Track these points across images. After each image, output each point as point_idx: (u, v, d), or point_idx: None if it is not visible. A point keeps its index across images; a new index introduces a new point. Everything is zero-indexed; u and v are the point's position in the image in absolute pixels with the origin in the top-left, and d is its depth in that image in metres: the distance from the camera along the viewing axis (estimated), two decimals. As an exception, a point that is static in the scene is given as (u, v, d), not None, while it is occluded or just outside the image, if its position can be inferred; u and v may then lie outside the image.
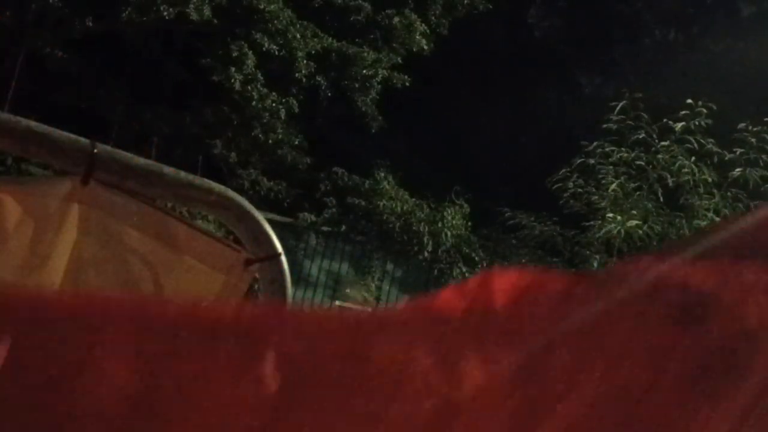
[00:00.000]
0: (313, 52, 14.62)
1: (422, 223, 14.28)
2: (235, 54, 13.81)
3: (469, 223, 14.83)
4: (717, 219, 10.16)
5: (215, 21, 13.73)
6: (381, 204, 14.55)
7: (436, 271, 14.13)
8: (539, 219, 12.27)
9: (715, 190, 10.69)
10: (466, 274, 13.57)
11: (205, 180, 1.45)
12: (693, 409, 0.74)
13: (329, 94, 15.73)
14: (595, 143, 11.04)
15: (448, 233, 14.27)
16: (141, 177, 1.39)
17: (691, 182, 10.64)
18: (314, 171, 16.10)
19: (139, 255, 1.43)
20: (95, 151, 1.35)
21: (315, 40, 14.69)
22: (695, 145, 10.58)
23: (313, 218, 14.62)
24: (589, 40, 21.87)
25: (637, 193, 10.90)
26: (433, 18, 16.80)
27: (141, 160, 1.41)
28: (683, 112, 10.66)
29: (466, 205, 14.89)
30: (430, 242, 14.17)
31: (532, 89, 21.11)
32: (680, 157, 10.64)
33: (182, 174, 1.43)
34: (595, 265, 10.85)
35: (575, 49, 21.97)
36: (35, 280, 1.37)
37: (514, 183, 18.09)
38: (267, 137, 14.90)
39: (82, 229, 1.39)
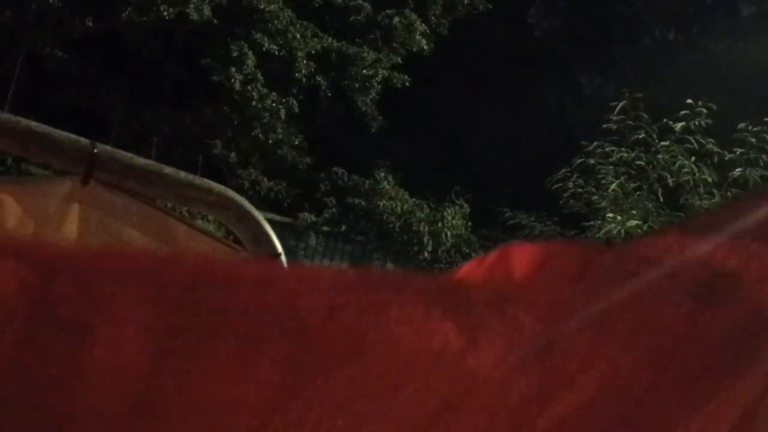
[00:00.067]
0: (313, 52, 14.62)
1: (422, 223, 14.28)
2: (235, 54, 13.81)
3: (469, 223, 14.83)
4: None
5: (215, 21, 13.73)
6: (381, 204, 14.55)
7: (436, 271, 14.13)
8: (539, 219, 12.27)
9: (715, 190, 10.69)
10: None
11: (205, 180, 1.45)
12: (712, 388, 0.73)
13: (329, 94, 15.73)
14: (595, 143, 11.03)
15: (448, 233, 14.27)
16: (141, 177, 1.39)
17: (691, 182, 10.63)
18: (314, 171, 16.11)
19: (139, 255, 1.43)
20: (95, 151, 1.35)
21: (315, 40, 14.69)
22: (695, 145, 10.57)
23: (313, 218, 14.62)
24: (589, 40, 21.87)
25: (637, 193, 10.89)
26: (433, 18, 16.81)
27: (141, 160, 1.41)
28: (683, 112, 10.65)
29: (466, 205, 14.89)
30: (430, 242, 14.18)
31: (532, 89, 21.11)
32: (680, 157, 10.64)
33: (182, 174, 1.43)
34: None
35: (575, 49, 21.97)
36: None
37: (514, 183, 18.09)
38: (267, 137, 14.90)
39: (82, 229, 1.39)
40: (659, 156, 10.76)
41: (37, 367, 0.59)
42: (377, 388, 0.64)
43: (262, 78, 14.15)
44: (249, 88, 14.03)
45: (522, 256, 0.66)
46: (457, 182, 15.17)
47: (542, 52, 21.71)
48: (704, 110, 10.54)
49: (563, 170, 11.27)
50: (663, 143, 10.74)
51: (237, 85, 13.81)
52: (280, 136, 15.01)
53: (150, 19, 13.36)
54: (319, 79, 15.04)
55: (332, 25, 15.60)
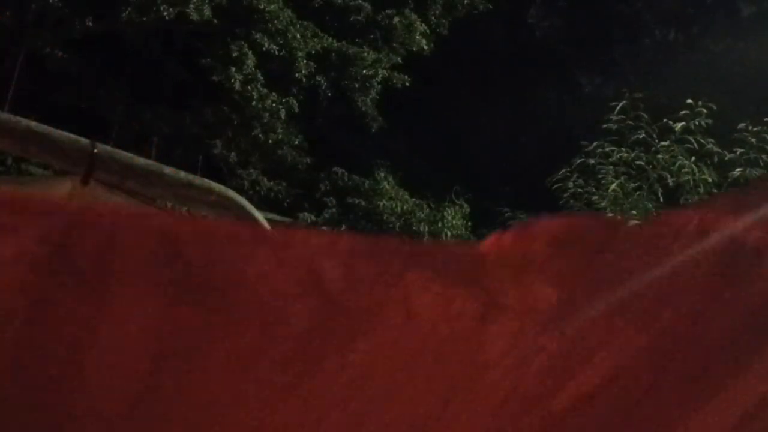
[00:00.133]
0: (313, 52, 14.62)
1: (422, 223, 14.27)
2: (235, 54, 13.80)
3: (469, 223, 14.82)
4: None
5: (215, 21, 13.72)
6: (381, 204, 14.55)
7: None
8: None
9: (715, 190, 10.68)
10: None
11: (205, 180, 1.45)
12: (733, 363, 0.73)
13: (329, 94, 15.72)
14: (595, 143, 11.03)
15: (448, 233, 14.26)
16: (141, 177, 1.39)
17: (691, 182, 10.63)
18: (314, 171, 16.10)
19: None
20: (95, 151, 1.35)
21: (315, 40, 14.69)
22: (695, 145, 10.56)
23: (313, 218, 14.62)
24: (589, 40, 21.86)
25: (637, 193, 10.88)
26: (433, 18, 16.80)
27: (141, 160, 1.41)
28: (683, 112, 10.64)
29: (466, 205, 14.88)
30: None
31: (532, 89, 21.10)
32: (680, 157, 10.63)
33: (182, 174, 1.43)
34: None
35: (575, 49, 21.96)
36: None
37: (514, 183, 18.08)
38: (267, 137, 14.90)
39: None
40: (659, 156, 10.75)
41: (37, 367, 0.59)
42: (394, 362, 0.64)
43: (262, 78, 14.14)
44: (249, 88, 14.03)
45: (542, 229, 0.65)
46: (457, 182, 15.16)
47: (542, 52, 21.70)
48: (704, 110, 10.53)
49: (563, 170, 11.26)
50: (663, 143, 10.73)
51: (237, 85, 13.80)
52: (280, 136, 15.01)
53: (150, 19, 13.35)
54: (319, 79, 15.04)
55: (332, 25, 15.60)
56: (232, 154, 15.19)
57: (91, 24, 13.65)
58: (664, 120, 10.71)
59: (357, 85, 15.36)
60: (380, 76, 15.40)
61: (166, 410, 0.63)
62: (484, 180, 17.63)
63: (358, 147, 16.79)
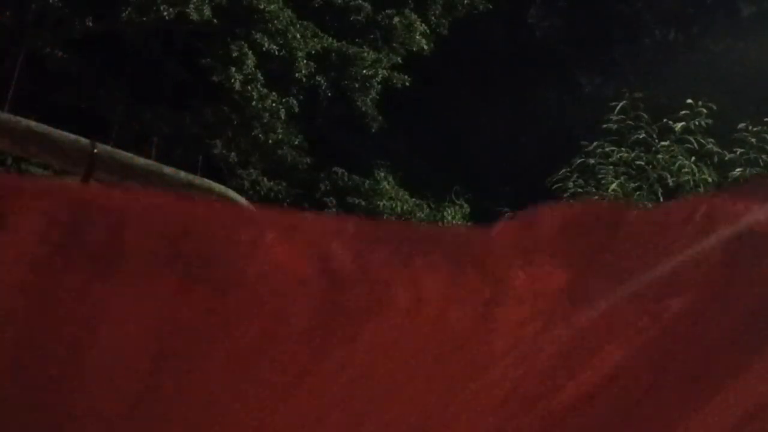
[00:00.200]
0: (313, 52, 14.62)
1: (422, 223, 14.28)
2: (235, 54, 13.80)
3: (469, 223, 14.82)
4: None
5: (215, 21, 13.72)
6: (381, 204, 14.55)
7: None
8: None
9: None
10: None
11: (205, 180, 1.45)
12: (733, 363, 0.73)
13: (329, 94, 15.72)
14: (595, 143, 11.04)
15: (448, 233, 14.26)
16: (141, 177, 1.39)
17: (691, 182, 10.63)
18: (314, 171, 16.10)
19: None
20: (95, 151, 1.35)
21: (315, 40, 14.69)
22: (695, 145, 10.57)
23: (313, 218, 14.60)
24: (589, 40, 21.86)
25: (637, 193, 10.89)
26: (433, 18, 16.80)
27: (141, 160, 1.41)
28: (683, 112, 10.65)
29: (466, 205, 14.89)
30: (430, 242, 14.17)
31: (532, 89, 21.10)
32: (680, 157, 10.64)
33: (182, 174, 1.43)
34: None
35: (575, 49, 21.96)
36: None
37: (514, 183, 18.08)
38: (267, 137, 14.90)
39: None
40: (659, 156, 10.76)
41: (37, 367, 0.59)
42: (402, 349, 0.64)
43: (262, 78, 14.14)
44: (249, 88, 14.03)
45: (552, 214, 0.65)
46: (457, 182, 15.16)
47: (542, 52, 21.70)
48: (704, 110, 10.54)
49: (563, 170, 11.27)
50: (663, 143, 10.74)
51: (237, 85, 13.81)
52: (280, 136, 15.01)
53: (150, 19, 13.35)
54: (319, 79, 15.04)
55: (332, 25, 15.59)
56: (232, 154, 15.19)
57: (91, 24, 13.65)
58: (664, 120, 10.71)
59: (357, 85, 15.36)
60: (380, 76, 15.40)
61: (166, 410, 0.63)
62: (484, 180, 17.63)
63: (358, 147, 16.79)
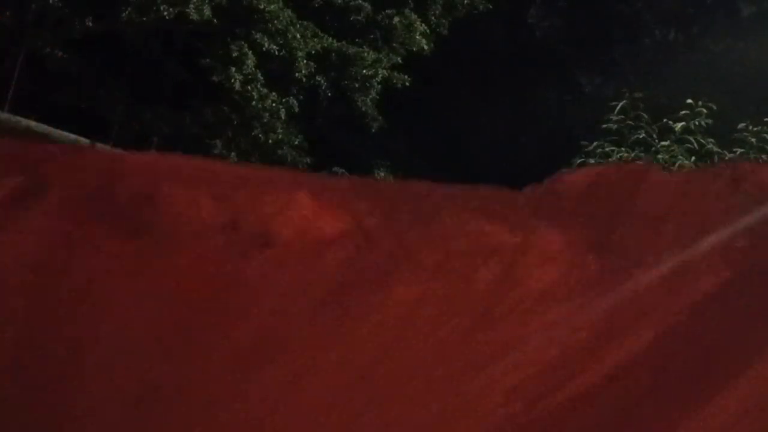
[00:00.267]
0: (313, 52, 14.61)
1: (422, 223, 14.28)
2: (235, 54, 13.80)
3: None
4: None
5: (215, 21, 13.72)
6: (381, 204, 14.55)
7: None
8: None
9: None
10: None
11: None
12: (733, 363, 0.73)
13: (329, 94, 15.72)
14: (595, 143, 11.03)
15: (448, 233, 14.27)
16: None
17: (691, 182, 10.63)
18: (314, 171, 16.09)
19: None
20: None
21: (315, 40, 14.68)
22: (695, 145, 10.57)
23: (313, 218, 14.62)
24: (589, 40, 21.85)
25: (637, 193, 10.89)
26: (433, 18, 16.79)
27: None
28: (683, 112, 10.65)
29: (466, 205, 14.88)
30: (430, 242, 14.17)
31: (532, 89, 21.09)
32: (680, 157, 10.63)
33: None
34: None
35: (575, 49, 21.95)
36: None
37: (514, 183, 18.00)
38: (267, 137, 14.90)
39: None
40: (659, 156, 10.75)
41: (37, 367, 0.59)
42: (429, 299, 0.64)
43: (262, 78, 14.14)
44: (249, 88, 14.03)
45: (575, 177, 0.66)
46: (457, 182, 15.15)
47: (542, 52, 21.69)
48: (704, 110, 10.54)
49: (563, 170, 11.27)
50: (663, 143, 10.73)
51: (237, 85, 13.80)
52: (280, 136, 15.01)
53: (150, 19, 13.35)
54: (319, 79, 15.03)
55: (332, 25, 15.59)
56: (232, 154, 15.19)
57: (91, 24, 13.65)
58: (664, 120, 10.71)
59: (357, 85, 15.36)
60: (380, 76, 15.40)
61: (166, 410, 0.63)
62: (484, 180, 17.41)
63: (358, 147, 16.79)
